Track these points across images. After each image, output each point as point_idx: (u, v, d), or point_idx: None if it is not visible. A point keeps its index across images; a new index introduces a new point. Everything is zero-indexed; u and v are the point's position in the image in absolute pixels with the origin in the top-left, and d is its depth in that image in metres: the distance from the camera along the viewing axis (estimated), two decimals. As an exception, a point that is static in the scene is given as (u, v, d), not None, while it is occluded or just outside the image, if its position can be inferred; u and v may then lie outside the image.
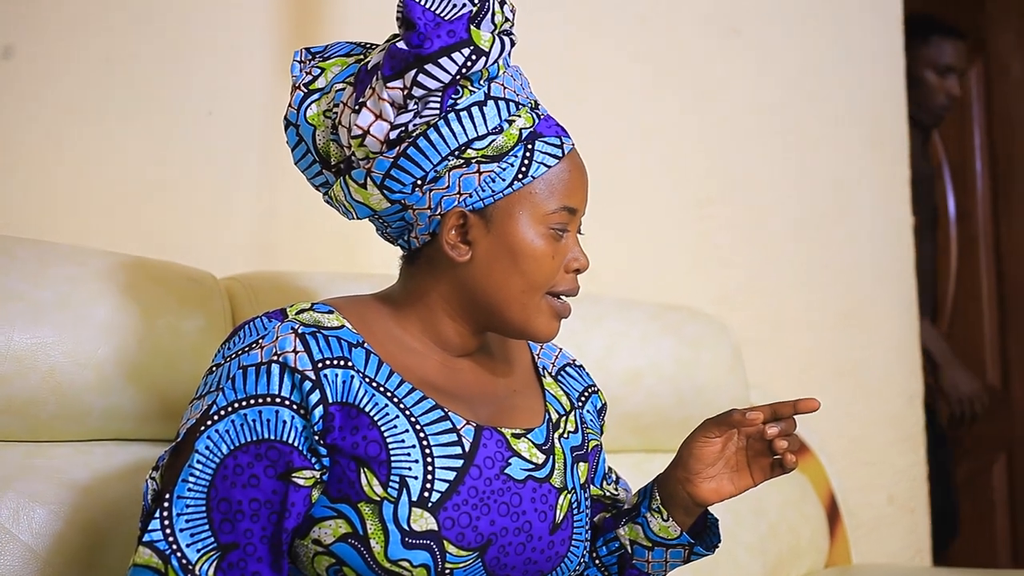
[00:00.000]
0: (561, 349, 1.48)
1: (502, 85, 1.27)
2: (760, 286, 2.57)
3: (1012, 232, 3.66)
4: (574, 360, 1.48)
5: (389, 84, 1.21)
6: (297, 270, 1.81)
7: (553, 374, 1.43)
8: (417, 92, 1.21)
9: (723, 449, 1.33)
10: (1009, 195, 3.69)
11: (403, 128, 1.22)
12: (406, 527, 1.18)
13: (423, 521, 1.19)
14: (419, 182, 1.24)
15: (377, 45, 1.32)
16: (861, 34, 2.80)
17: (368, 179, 1.25)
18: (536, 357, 1.43)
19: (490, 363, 1.36)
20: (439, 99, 1.22)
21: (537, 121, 1.28)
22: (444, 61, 1.21)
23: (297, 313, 1.25)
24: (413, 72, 1.21)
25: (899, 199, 2.80)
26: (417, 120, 1.22)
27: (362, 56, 1.30)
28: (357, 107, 1.24)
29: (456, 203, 1.25)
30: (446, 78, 1.21)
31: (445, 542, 1.20)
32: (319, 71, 1.29)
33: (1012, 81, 3.64)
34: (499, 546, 1.24)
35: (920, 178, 2.97)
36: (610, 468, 1.50)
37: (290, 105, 1.30)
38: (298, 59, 1.32)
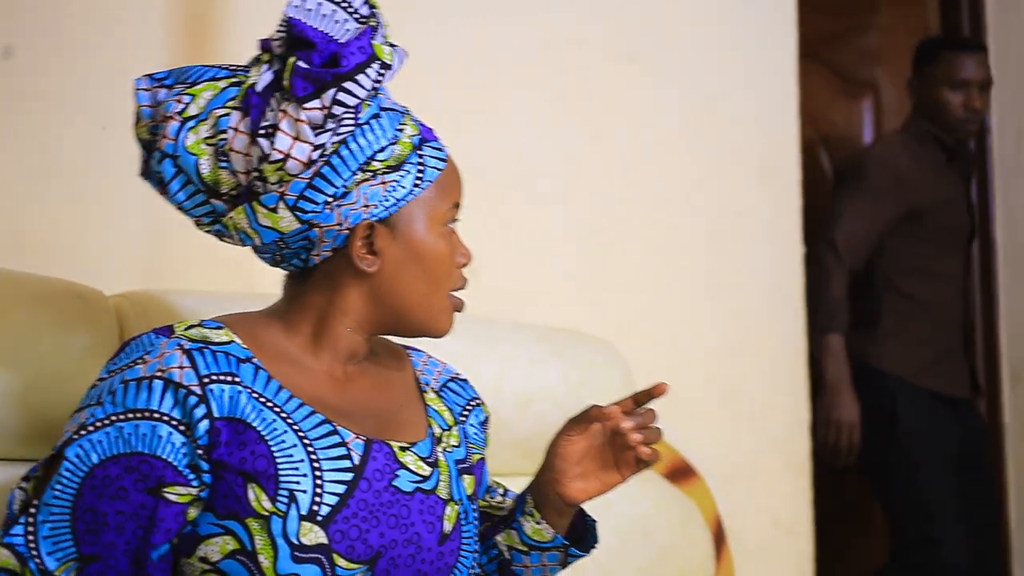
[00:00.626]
0: (445, 365, 1.49)
1: (386, 96, 1.30)
2: (652, 312, 2.60)
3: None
4: (458, 374, 1.50)
5: (306, 105, 1.21)
6: (188, 288, 1.79)
7: (436, 389, 1.44)
8: (337, 111, 1.22)
9: (588, 447, 1.35)
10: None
11: (322, 148, 1.23)
12: (295, 541, 1.18)
13: (312, 535, 1.19)
14: (331, 200, 1.25)
15: (240, 66, 1.30)
16: (756, 63, 2.86)
17: (281, 202, 1.24)
18: (419, 373, 1.44)
19: (376, 378, 1.37)
20: (353, 116, 1.24)
21: (420, 127, 1.32)
22: (361, 78, 1.23)
23: (185, 329, 1.25)
24: (332, 91, 1.22)
25: (790, 228, 2.86)
26: (334, 138, 1.23)
27: (233, 78, 1.27)
28: (265, 131, 1.22)
29: (364, 216, 1.26)
30: (364, 94, 1.23)
31: (335, 555, 1.20)
32: (189, 98, 1.25)
33: (896, 111, 3.74)
34: (389, 558, 1.24)
35: (937, 202, 3.07)
36: (496, 483, 1.52)
37: (164, 136, 1.25)
38: (144, 87, 1.29)
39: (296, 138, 1.21)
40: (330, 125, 1.22)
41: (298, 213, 1.24)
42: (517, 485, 1.89)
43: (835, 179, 3.41)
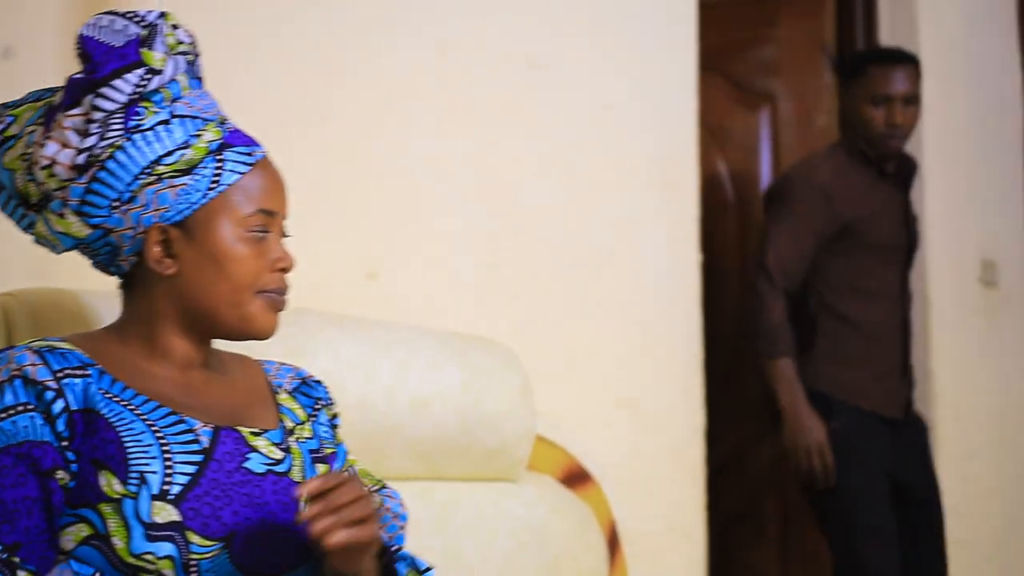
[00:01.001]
0: (299, 370, 1.53)
1: (187, 104, 1.35)
2: (550, 318, 2.61)
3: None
4: (311, 376, 1.53)
5: (69, 113, 1.30)
6: (76, 288, 1.75)
7: (289, 391, 1.47)
8: (96, 115, 1.29)
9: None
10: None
11: (89, 152, 1.29)
12: (148, 520, 1.22)
13: (165, 513, 1.23)
14: (115, 203, 1.30)
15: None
16: (656, 74, 2.88)
17: (66, 208, 1.31)
18: (271, 378, 1.48)
19: (223, 381, 1.41)
20: (121, 120, 1.30)
21: (225, 134, 1.35)
22: (118, 83, 1.30)
23: (29, 343, 1.30)
24: (90, 97, 1.30)
25: (687, 237, 2.89)
26: (102, 143, 1.29)
27: (52, 98, 1.36)
28: (44, 141, 1.30)
29: (155, 219, 1.31)
30: (122, 98, 1.30)
31: (189, 532, 1.23)
32: (12, 119, 1.36)
33: (793, 122, 3.81)
34: (244, 536, 1.27)
35: (865, 217, 2.98)
36: (369, 475, 1.53)
37: None
38: None
39: (63, 144, 1.29)
40: (95, 130, 1.29)
41: (85, 218, 1.31)
42: (408, 489, 1.88)
43: (765, 203, 3.30)
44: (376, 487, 1.52)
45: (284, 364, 1.52)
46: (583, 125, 2.73)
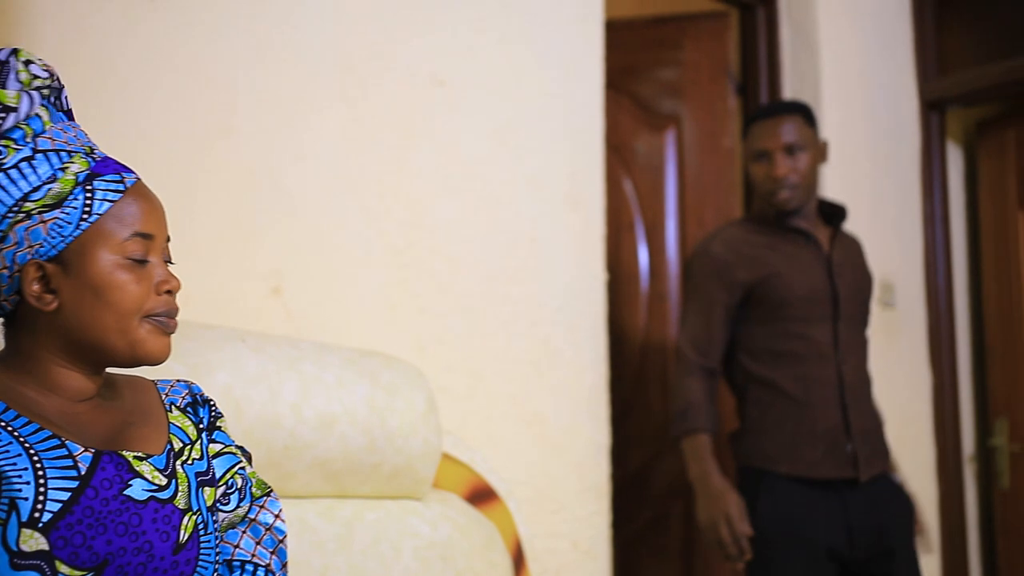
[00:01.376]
0: (192, 385, 1.51)
1: (50, 139, 1.34)
2: (456, 335, 2.60)
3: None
4: (201, 394, 1.51)
5: None
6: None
7: (181, 407, 1.46)
8: None
9: None
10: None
11: None
12: (15, 548, 1.20)
13: (33, 541, 1.21)
14: None
15: None
16: (563, 93, 2.90)
17: None
18: (165, 396, 1.47)
19: (113, 404, 1.39)
20: None
21: (93, 164, 1.34)
22: None
23: None
24: None
25: (593, 256, 2.91)
26: None
27: None
28: None
29: (29, 256, 1.30)
30: None
31: (57, 562, 1.21)
32: None
33: (697, 143, 3.87)
34: (117, 566, 1.25)
35: (768, 278, 2.85)
36: (254, 488, 1.51)
37: None
38: None
39: None
40: None
41: None
42: (314, 508, 1.86)
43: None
44: (261, 496, 1.51)
45: (180, 381, 1.50)
46: (490, 142, 2.74)
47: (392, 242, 2.52)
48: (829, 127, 3.66)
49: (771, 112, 2.93)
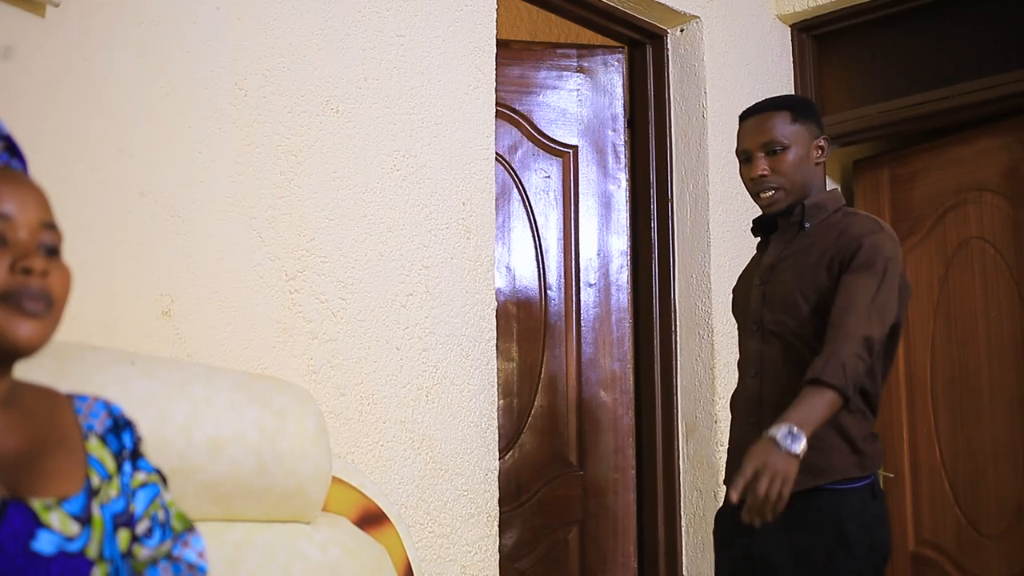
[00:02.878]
0: (112, 405, 1.43)
1: None
2: (347, 360, 2.61)
3: (583, 318, 3.92)
4: (122, 415, 1.43)
5: None
6: None
7: (100, 434, 1.38)
8: None
9: None
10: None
11: None
12: None
13: None
14: None
15: None
16: (455, 121, 2.94)
17: None
18: (82, 419, 1.38)
19: (21, 423, 1.30)
20: None
21: None
22: None
23: None
24: None
25: (484, 282, 2.94)
26: None
27: None
28: None
29: None
30: None
31: None
32: None
33: (593, 172, 3.94)
34: None
35: (740, 288, 2.85)
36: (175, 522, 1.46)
37: None
38: None
39: None
40: None
41: None
42: (205, 529, 1.85)
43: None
44: (183, 531, 1.45)
45: (99, 399, 1.41)
46: (382, 169, 2.76)
47: (284, 266, 2.52)
48: (713, 163, 3.76)
49: (754, 111, 2.78)
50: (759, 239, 2.82)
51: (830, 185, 4.38)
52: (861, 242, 2.56)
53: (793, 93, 4.16)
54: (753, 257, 2.87)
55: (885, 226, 2.66)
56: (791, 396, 2.46)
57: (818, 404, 2.39)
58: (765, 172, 2.67)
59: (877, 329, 2.48)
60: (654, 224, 4.02)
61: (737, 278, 2.90)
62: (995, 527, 3.82)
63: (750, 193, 2.74)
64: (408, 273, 2.76)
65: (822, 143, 2.73)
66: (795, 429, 2.32)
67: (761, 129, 2.71)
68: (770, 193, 2.67)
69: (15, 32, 2.16)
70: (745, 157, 2.73)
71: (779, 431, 2.33)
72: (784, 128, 2.69)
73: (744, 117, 2.79)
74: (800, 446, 2.32)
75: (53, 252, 1.31)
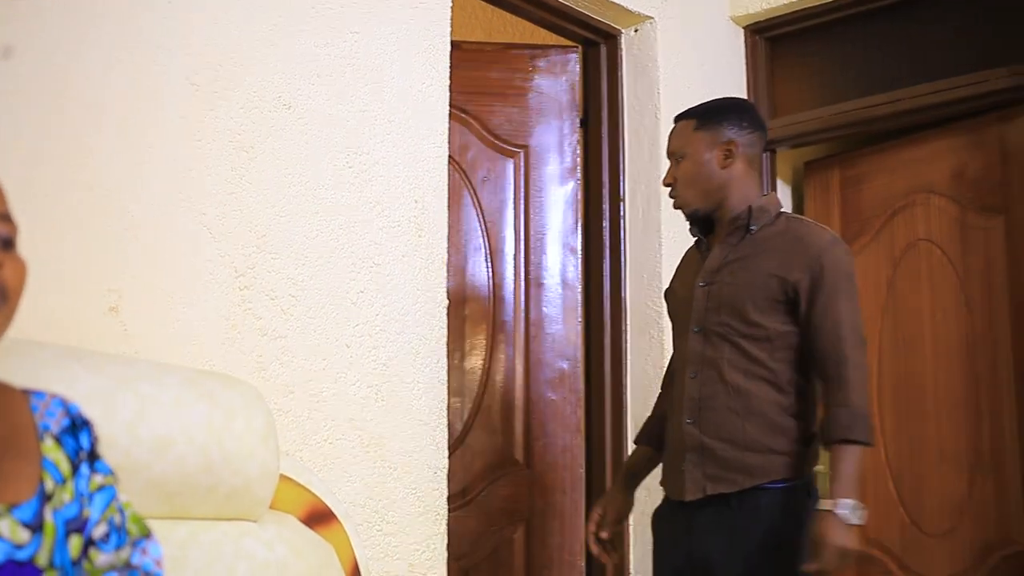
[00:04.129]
0: (70, 404, 1.40)
1: None
2: (297, 357, 2.60)
3: (532, 317, 3.93)
4: (79, 415, 1.41)
5: None
6: None
7: (56, 434, 1.35)
8: None
9: None
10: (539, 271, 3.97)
11: None
12: None
13: None
14: None
15: None
16: (408, 119, 2.93)
17: None
18: (38, 418, 1.35)
19: None
20: None
21: None
22: None
23: None
24: None
25: (436, 280, 2.94)
26: None
27: None
28: None
29: None
30: None
31: None
32: None
33: (544, 171, 3.95)
34: None
35: (672, 289, 2.90)
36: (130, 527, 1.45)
37: None
38: None
39: None
40: None
41: None
42: (154, 529, 1.84)
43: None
44: (140, 538, 1.43)
45: (56, 396, 1.38)
46: (335, 166, 2.75)
47: (234, 262, 2.51)
48: (665, 163, 3.76)
49: (681, 116, 2.86)
50: (696, 241, 2.88)
51: (782, 186, 4.43)
52: (823, 261, 2.62)
53: (736, 96, 4.16)
54: (686, 258, 2.95)
55: (836, 235, 2.75)
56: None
57: (857, 464, 2.54)
58: (670, 181, 2.81)
59: (864, 354, 2.61)
60: (606, 224, 4.04)
61: (671, 280, 2.97)
62: (938, 526, 3.87)
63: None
64: (359, 271, 2.76)
65: (728, 146, 2.75)
66: (853, 503, 2.49)
67: (671, 138, 2.84)
68: (674, 200, 2.82)
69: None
70: (671, 159, 2.84)
71: (842, 508, 2.48)
72: (684, 138, 2.80)
73: (675, 123, 2.89)
74: (862, 517, 2.51)
75: (8, 244, 1.28)
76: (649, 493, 3.27)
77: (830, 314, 2.60)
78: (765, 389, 2.63)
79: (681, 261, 2.97)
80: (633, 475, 2.96)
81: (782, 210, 2.80)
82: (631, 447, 3.84)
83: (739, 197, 2.74)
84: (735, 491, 2.61)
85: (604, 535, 2.88)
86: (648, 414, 3.07)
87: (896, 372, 4.05)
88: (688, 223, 2.85)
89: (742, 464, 2.61)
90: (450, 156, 3.82)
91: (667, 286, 2.98)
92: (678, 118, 2.85)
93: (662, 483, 2.82)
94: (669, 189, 2.81)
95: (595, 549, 2.88)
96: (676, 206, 2.82)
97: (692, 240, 2.90)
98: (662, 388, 3.05)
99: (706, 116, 2.79)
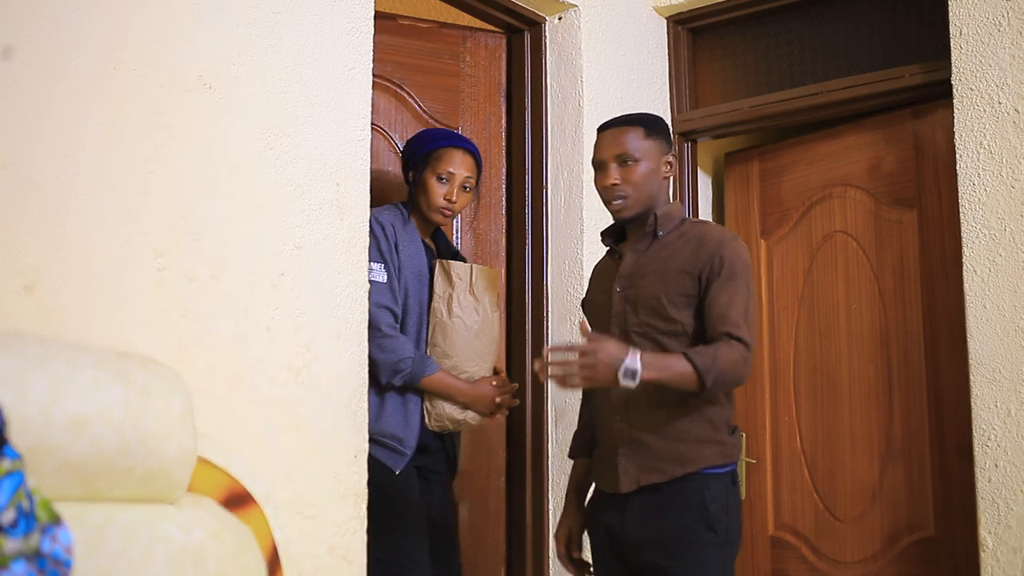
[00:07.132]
0: None
1: None
2: (217, 338, 2.58)
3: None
4: None
5: None
6: None
7: None
8: None
9: None
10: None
11: None
12: None
13: None
14: None
15: None
16: (331, 101, 2.91)
17: None
18: None
19: None
20: None
21: None
22: None
23: None
24: None
25: (358, 263, 2.93)
26: None
27: None
28: None
29: None
30: None
31: None
32: None
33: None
34: None
35: (591, 294, 3.08)
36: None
37: None
38: None
39: None
40: None
41: None
42: (66, 510, 1.82)
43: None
44: (49, 524, 1.43)
45: None
46: (257, 147, 2.73)
47: (153, 242, 2.48)
48: (588, 151, 3.80)
49: (611, 124, 2.99)
50: (608, 249, 3.05)
51: (703, 177, 4.49)
52: (722, 253, 2.82)
53: (661, 101, 4.27)
54: (599, 266, 3.12)
55: (735, 234, 3.03)
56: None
57: (676, 368, 2.69)
58: (616, 181, 2.91)
59: (752, 334, 2.78)
60: (528, 210, 4.06)
61: (587, 289, 3.15)
62: (850, 512, 3.95)
63: (602, 200, 2.98)
64: (280, 252, 2.74)
65: (670, 159, 2.97)
66: (639, 369, 2.60)
67: (616, 142, 2.94)
68: (619, 201, 2.92)
69: None
70: (600, 166, 2.96)
71: (634, 362, 2.61)
72: (636, 142, 2.93)
73: (601, 130, 3.01)
74: (632, 384, 2.61)
75: None
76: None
77: (725, 292, 2.78)
78: None
79: (593, 272, 3.15)
80: (580, 490, 3.12)
81: (684, 215, 3.02)
82: (552, 433, 3.88)
83: (659, 207, 2.95)
84: (666, 480, 2.81)
85: (576, 555, 3.07)
86: (577, 416, 3.25)
87: (812, 361, 4.12)
88: (600, 231, 3.03)
89: (673, 454, 2.82)
90: (386, 132, 3.83)
91: (583, 297, 3.16)
92: (619, 123, 2.98)
93: (595, 478, 3.01)
94: (608, 189, 2.92)
95: (571, 569, 3.07)
96: (617, 207, 2.93)
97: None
98: (583, 398, 3.22)
99: (654, 128, 2.98)
